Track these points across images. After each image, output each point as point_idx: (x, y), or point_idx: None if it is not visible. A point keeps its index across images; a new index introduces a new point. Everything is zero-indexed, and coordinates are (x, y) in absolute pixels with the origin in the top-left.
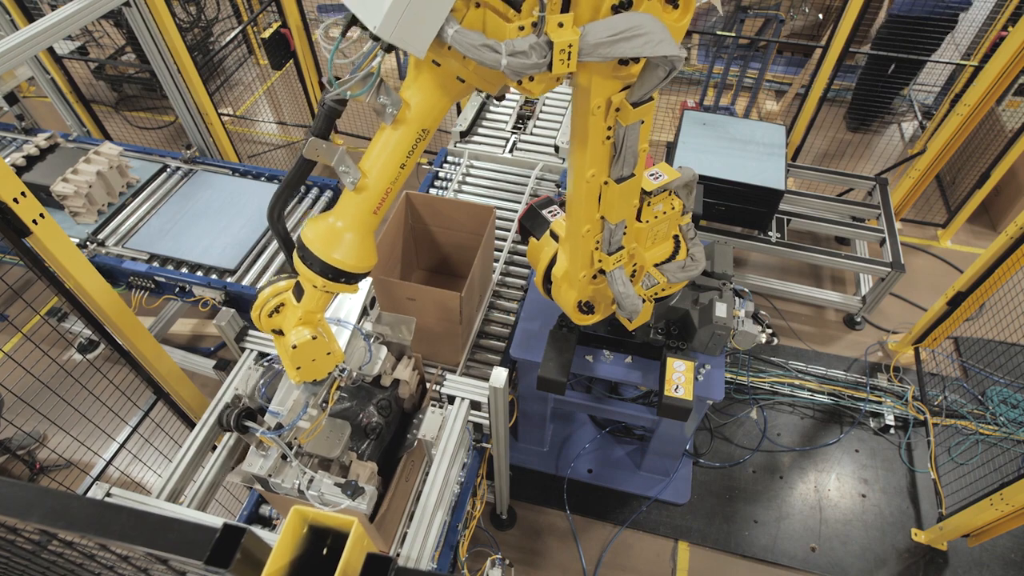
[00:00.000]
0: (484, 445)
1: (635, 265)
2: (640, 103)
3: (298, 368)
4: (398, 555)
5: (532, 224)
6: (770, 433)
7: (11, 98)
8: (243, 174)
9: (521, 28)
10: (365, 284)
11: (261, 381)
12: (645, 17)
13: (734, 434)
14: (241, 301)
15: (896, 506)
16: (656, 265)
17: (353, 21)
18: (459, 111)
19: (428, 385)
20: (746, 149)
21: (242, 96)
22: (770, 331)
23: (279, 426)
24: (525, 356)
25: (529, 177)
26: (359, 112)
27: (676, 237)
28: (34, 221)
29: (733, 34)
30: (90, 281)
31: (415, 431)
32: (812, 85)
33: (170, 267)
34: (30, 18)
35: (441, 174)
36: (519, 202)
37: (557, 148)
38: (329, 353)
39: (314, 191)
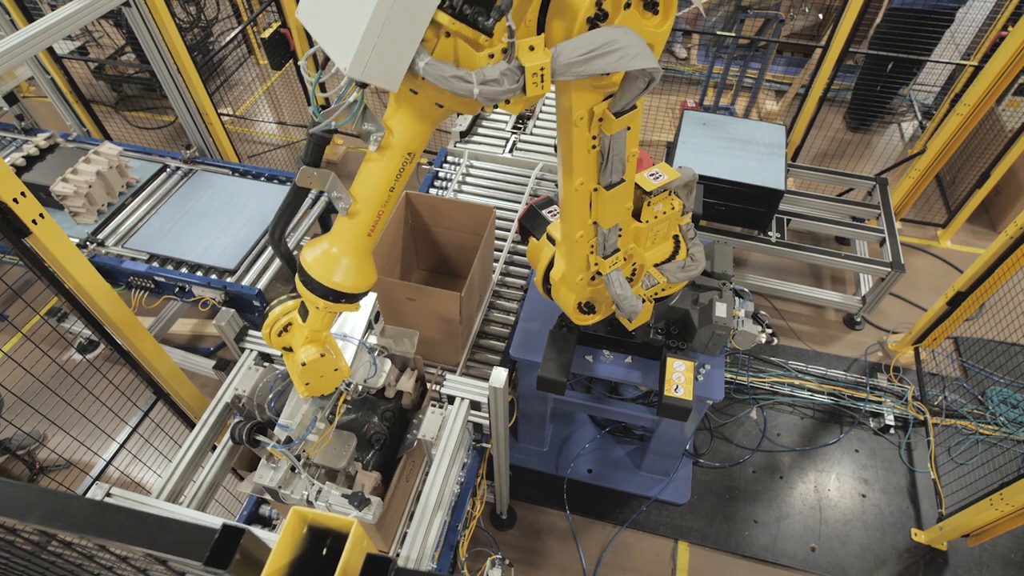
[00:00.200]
0: (484, 445)
1: (634, 265)
2: (623, 112)
3: (307, 384)
4: (398, 555)
5: (532, 224)
6: (770, 433)
7: (11, 98)
8: (243, 174)
9: (491, 56)
10: (370, 299)
11: (270, 395)
12: (619, 31)
13: (734, 434)
14: (241, 301)
15: (896, 506)
16: (656, 265)
17: None
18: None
19: (428, 385)
20: (746, 149)
21: (242, 96)
22: (770, 331)
23: (289, 440)
24: (525, 356)
25: (529, 177)
26: None
27: (676, 237)
28: (34, 221)
29: (733, 34)
30: (90, 281)
31: (415, 431)
32: (812, 85)
33: (170, 267)
34: (30, 18)
35: (441, 174)
36: (519, 202)
37: (556, 148)
38: (336, 369)
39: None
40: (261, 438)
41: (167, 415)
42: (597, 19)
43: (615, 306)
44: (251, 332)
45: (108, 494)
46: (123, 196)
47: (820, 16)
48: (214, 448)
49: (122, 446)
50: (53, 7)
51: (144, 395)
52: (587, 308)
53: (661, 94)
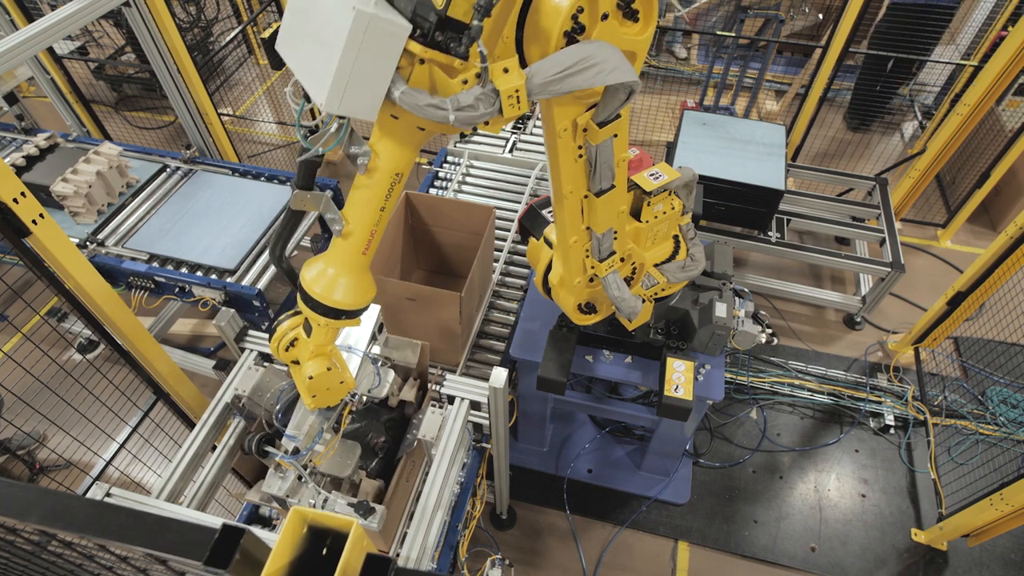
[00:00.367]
0: (484, 445)
1: (634, 264)
2: (607, 122)
3: (313, 396)
4: (398, 555)
5: (532, 224)
6: (770, 433)
7: (11, 98)
8: (243, 174)
9: (465, 82)
10: (373, 311)
11: (277, 407)
12: (593, 46)
13: (734, 434)
14: (241, 301)
15: (896, 506)
16: (656, 265)
17: None
18: None
19: (428, 385)
20: (746, 149)
21: (242, 96)
22: (770, 331)
23: (296, 450)
24: (525, 356)
25: (529, 177)
26: None
27: (676, 237)
28: (34, 221)
29: (733, 34)
30: (90, 281)
31: (415, 431)
32: (812, 85)
33: (170, 267)
34: (30, 18)
35: (441, 174)
36: (519, 202)
37: None
38: (342, 382)
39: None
40: (270, 449)
41: (167, 415)
42: (574, 32)
43: (615, 307)
44: (251, 332)
45: (108, 494)
46: (123, 196)
47: (820, 16)
48: (214, 448)
49: (122, 446)
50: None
51: (144, 395)
52: (587, 308)
53: (661, 94)
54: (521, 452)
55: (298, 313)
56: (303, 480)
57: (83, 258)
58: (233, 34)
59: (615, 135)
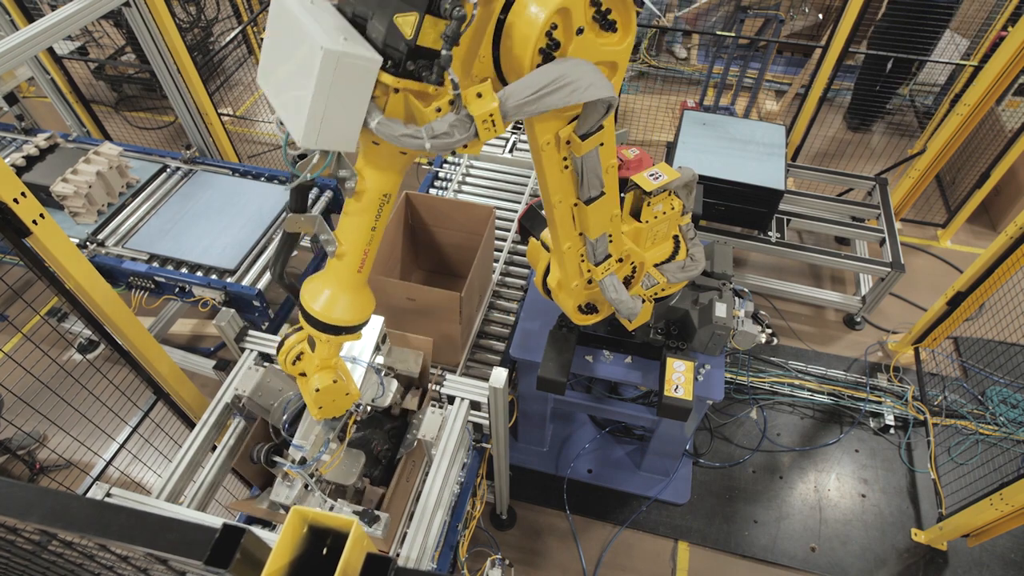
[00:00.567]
0: (484, 445)
1: (634, 264)
2: (590, 134)
3: (320, 407)
4: (398, 555)
5: (532, 224)
6: (770, 433)
7: (11, 98)
8: (243, 174)
9: (438, 110)
10: (377, 322)
11: (284, 417)
12: (567, 65)
13: (734, 434)
14: (241, 301)
15: (896, 506)
16: (656, 265)
17: None
18: None
19: (428, 385)
20: (746, 149)
21: (242, 96)
22: (770, 331)
23: (303, 460)
24: (525, 356)
25: (529, 177)
26: None
27: (676, 237)
28: (34, 221)
29: (733, 34)
30: (90, 281)
31: (415, 431)
32: (812, 85)
33: (170, 267)
34: (30, 18)
35: (441, 174)
36: (519, 202)
37: None
38: (348, 393)
39: (314, 191)
40: (278, 459)
41: (167, 415)
42: (550, 49)
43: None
44: (251, 332)
45: (108, 494)
46: (123, 196)
47: (820, 16)
48: (214, 448)
49: (122, 446)
50: (53, 7)
51: (144, 395)
52: (587, 309)
53: (661, 94)
54: (521, 452)
55: (302, 328)
56: (309, 488)
57: (83, 258)
58: (233, 34)
59: (601, 144)
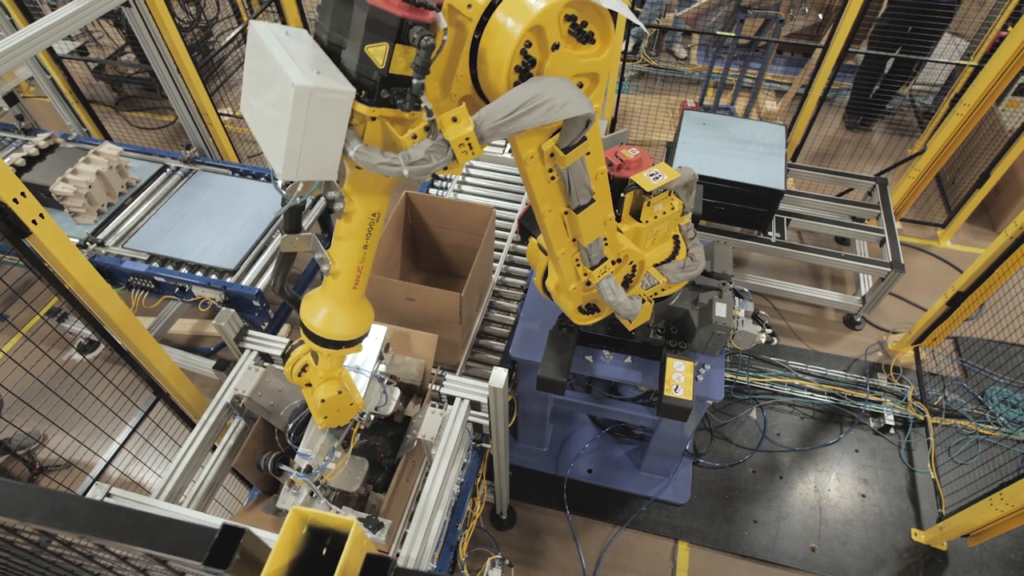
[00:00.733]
0: (484, 445)
1: (633, 264)
2: (572, 147)
3: (325, 417)
4: (398, 555)
5: (532, 224)
6: (770, 433)
7: (11, 98)
8: (243, 174)
9: (414, 136)
10: (380, 332)
11: (290, 425)
12: (541, 84)
13: (734, 434)
14: (241, 301)
15: (896, 506)
16: (656, 265)
17: None
18: None
19: (428, 385)
20: (746, 149)
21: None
22: (770, 331)
23: (309, 468)
24: (525, 356)
25: None
26: None
27: (676, 237)
28: (34, 221)
29: (733, 34)
30: (90, 281)
31: (415, 431)
32: (812, 85)
33: (170, 267)
34: (30, 18)
35: (441, 174)
36: (519, 202)
37: None
38: (352, 403)
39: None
40: (284, 467)
41: (167, 415)
42: (526, 67)
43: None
44: (251, 332)
45: (108, 494)
46: (123, 196)
47: (820, 16)
48: (214, 448)
49: (122, 446)
50: (53, 7)
51: (144, 395)
52: (587, 309)
53: (661, 94)
54: (521, 452)
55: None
56: (315, 496)
57: (83, 258)
58: (233, 34)
59: (587, 153)
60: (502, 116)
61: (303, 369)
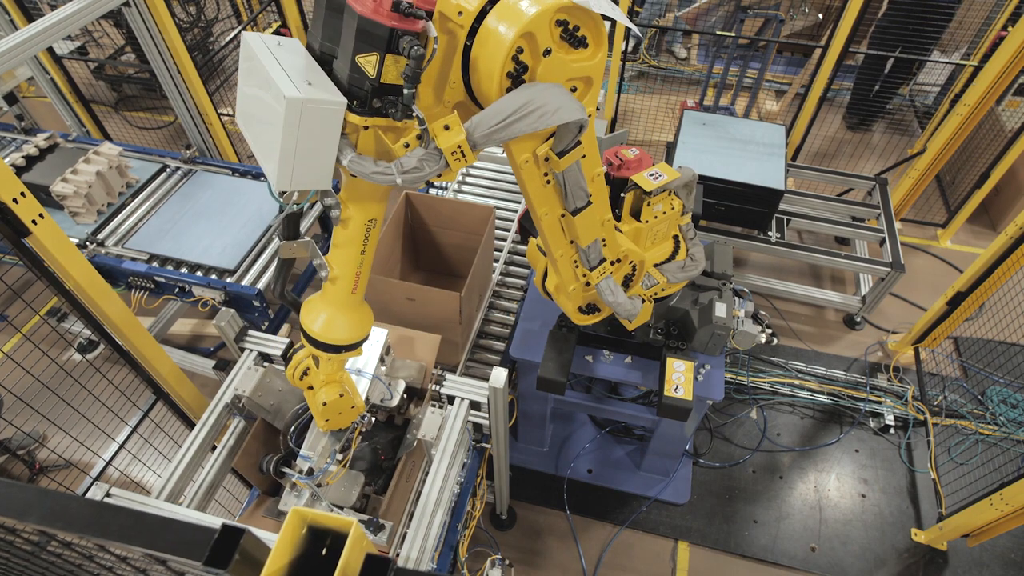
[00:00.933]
0: (484, 445)
1: (633, 263)
2: (567, 151)
3: (327, 420)
4: (398, 555)
5: (532, 224)
6: (770, 433)
7: (11, 98)
8: (243, 174)
9: (406, 145)
10: (381, 335)
11: (292, 428)
12: (533, 90)
13: (734, 434)
14: (241, 301)
15: (896, 506)
16: (656, 265)
17: None
18: None
19: (428, 385)
20: (746, 149)
21: None
22: (770, 331)
23: (311, 471)
24: (525, 356)
25: None
26: None
27: (676, 237)
28: (33, 221)
29: (733, 34)
30: (90, 281)
31: (415, 431)
32: (812, 85)
33: (170, 267)
34: (30, 18)
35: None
36: (519, 202)
37: None
38: (353, 406)
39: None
40: (286, 470)
41: (167, 415)
42: (518, 73)
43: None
44: (251, 332)
45: (108, 494)
46: (123, 196)
47: (820, 16)
48: (214, 448)
49: (122, 446)
50: (53, 7)
51: (144, 395)
52: (588, 309)
53: (661, 94)
54: (521, 452)
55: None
56: (317, 498)
57: (83, 258)
58: (233, 34)
59: (583, 156)
60: (494, 123)
61: (305, 372)
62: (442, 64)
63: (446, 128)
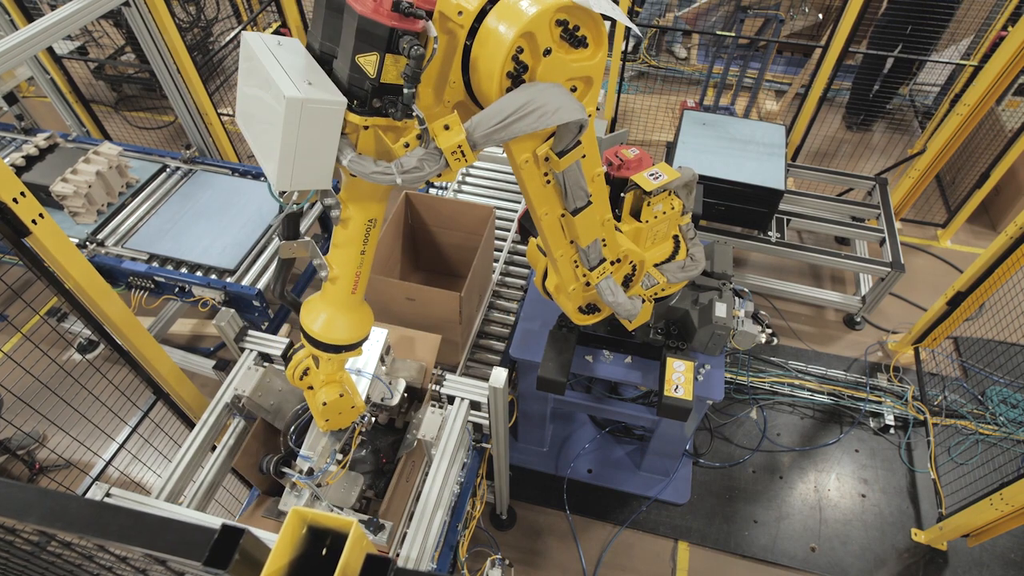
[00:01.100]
0: (484, 445)
1: (633, 263)
2: (567, 151)
3: (327, 420)
4: (398, 555)
5: (532, 224)
6: (770, 433)
7: (11, 98)
8: (243, 174)
9: (406, 145)
10: (381, 335)
11: (292, 429)
12: (533, 90)
13: (734, 434)
14: (241, 301)
15: (896, 506)
16: (656, 265)
17: None
18: None
19: (428, 385)
20: (746, 149)
21: None
22: (770, 331)
23: (311, 471)
24: (525, 356)
25: None
26: None
27: (676, 237)
28: (33, 221)
29: (733, 34)
30: (90, 281)
31: (415, 431)
32: (812, 85)
33: (170, 267)
34: (30, 18)
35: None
36: (519, 202)
37: None
38: (353, 406)
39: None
40: (286, 470)
41: (167, 415)
42: (518, 73)
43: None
44: (251, 332)
45: (108, 494)
46: (123, 196)
47: (820, 16)
48: (214, 448)
49: (122, 446)
50: (53, 7)
51: (144, 395)
52: (588, 309)
53: (661, 94)
54: (521, 452)
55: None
56: (318, 498)
57: (83, 258)
58: (233, 34)
59: (583, 156)
60: (494, 123)
61: (305, 372)
62: (442, 64)
63: (446, 128)
